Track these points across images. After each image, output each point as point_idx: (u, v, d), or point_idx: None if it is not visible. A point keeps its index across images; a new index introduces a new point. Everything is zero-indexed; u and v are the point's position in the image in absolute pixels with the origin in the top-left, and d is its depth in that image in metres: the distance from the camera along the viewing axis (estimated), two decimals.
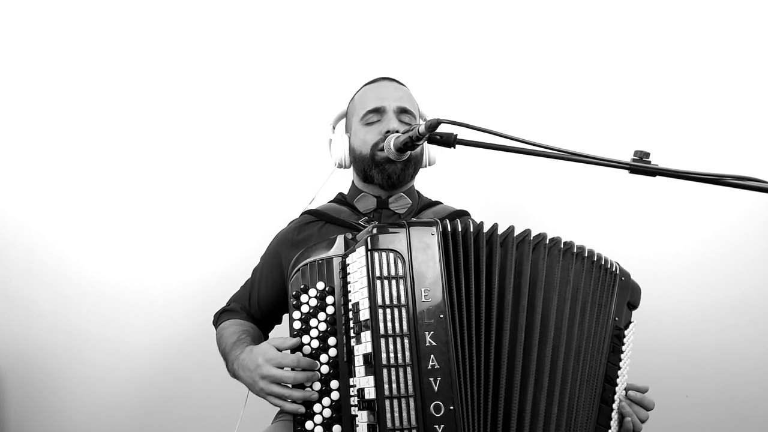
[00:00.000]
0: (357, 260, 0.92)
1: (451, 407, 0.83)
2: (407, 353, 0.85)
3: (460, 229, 0.94)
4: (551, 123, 1.95)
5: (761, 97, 1.92)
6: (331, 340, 0.96)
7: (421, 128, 1.00)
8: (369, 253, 0.88)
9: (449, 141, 0.98)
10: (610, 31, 1.98)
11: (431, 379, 0.84)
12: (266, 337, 1.34)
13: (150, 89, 1.96)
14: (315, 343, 0.96)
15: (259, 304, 1.30)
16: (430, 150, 1.33)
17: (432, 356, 0.85)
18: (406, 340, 0.85)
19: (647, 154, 0.82)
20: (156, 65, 1.97)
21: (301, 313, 0.97)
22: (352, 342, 0.92)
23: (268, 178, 1.94)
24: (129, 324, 1.88)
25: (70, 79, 1.94)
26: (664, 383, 1.81)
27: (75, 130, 1.94)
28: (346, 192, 1.39)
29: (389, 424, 0.82)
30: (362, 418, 0.87)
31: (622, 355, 1.04)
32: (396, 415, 0.83)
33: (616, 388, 1.03)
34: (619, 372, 1.03)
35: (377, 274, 0.88)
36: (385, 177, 1.23)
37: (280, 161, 1.94)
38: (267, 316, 1.32)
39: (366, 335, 0.88)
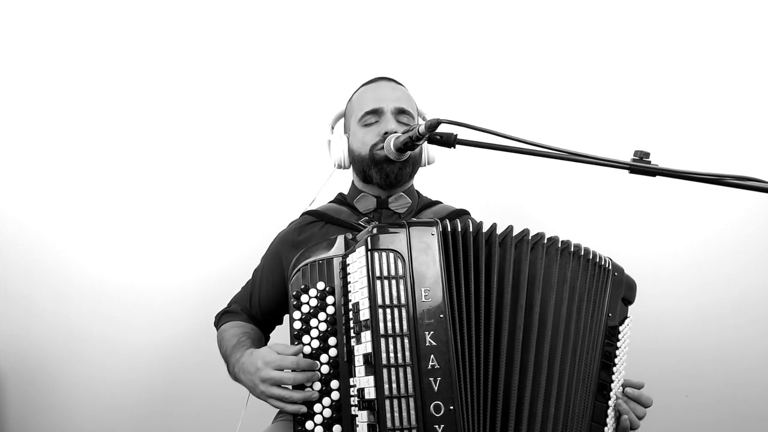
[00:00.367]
0: (357, 260, 0.92)
1: (451, 407, 0.84)
2: (407, 353, 0.85)
3: (460, 229, 0.94)
4: (551, 123, 1.95)
5: (761, 97, 1.92)
6: (332, 340, 0.96)
7: (421, 128, 1.00)
8: (369, 253, 0.88)
9: (449, 141, 0.98)
10: (610, 31, 1.98)
11: (431, 379, 0.84)
12: (267, 338, 1.35)
13: (150, 90, 1.96)
14: (315, 343, 0.96)
15: (259, 305, 1.30)
16: (429, 149, 1.33)
17: (432, 356, 0.85)
18: (406, 340, 0.85)
19: (647, 154, 0.82)
20: (156, 66, 1.97)
21: (302, 313, 0.97)
22: (353, 342, 0.92)
23: (268, 179, 1.94)
24: (129, 324, 1.88)
25: (70, 80, 1.94)
26: (664, 383, 1.82)
27: (75, 130, 1.94)
28: (346, 192, 1.39)
29: (389, 424, 0.82)
30: (362, 417, 0.87)
31: (617, 352, 1.04)
32: (396, 414, 0.83)
33: (612, 385, 1.03)
34: (614, 369, 1.03)
35: (377, 274, 0.88)
36: (384, 176, 1.23)
37: (280, 162, 1.94)
38: (268, 317, 1.32)
39: (366, 335, 0.88)
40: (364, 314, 0.88)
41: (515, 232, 0.98)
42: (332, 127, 1.40)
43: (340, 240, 1.01)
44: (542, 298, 0.96)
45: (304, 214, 1.34)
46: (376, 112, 1.26)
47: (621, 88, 1.96)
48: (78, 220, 1.91)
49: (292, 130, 1.95)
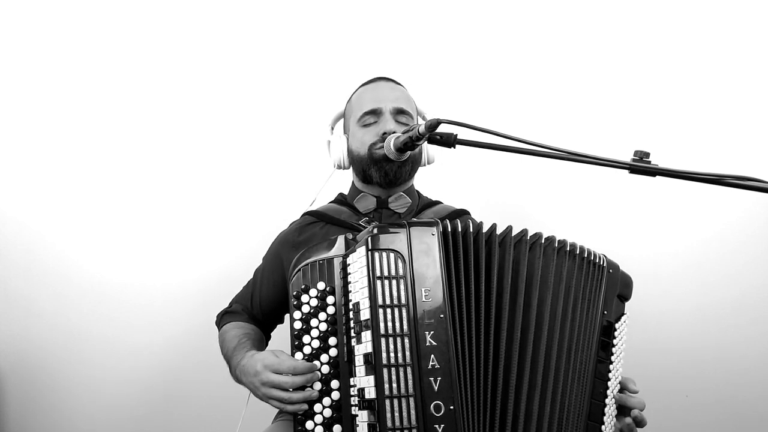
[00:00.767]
0: (357, 260, 0.92)
1: (451, 407, 0.84)
2: (407, 353, 0.85)
3: (460, 230, 0.95)
4: (551, 123, 1.95)
5: (761, 97, 1.92)
6: (332, 340, 0.96)
7: (421, 128, 1.00)
8: (369, 253, 0.88)
9: (449, 141, 0.98)
10: (610, 31, 1.98)
11: (431, 378, 0.84)
12: (268, 337, 1.35)
13: (150, 91, 1.96)
14: (316, 343, 0.96)
15: (260, 305, 1.30)
16: (429, 149, 1.34)
17: (432, 356, 0.85)
18: (406, 340, 0.86)
19: (647, 154, 0.82)
20: (156, 67, 1.97)
21: (302, 313, 0.97)
22: (353, 342, 0.92)
23: (268, 179, 1.94)
24: (129, 324, 1.88)
25: (70, 80, 1.95)
26: (664, 383, 1.82)
27: (75, 130, 1.94)
28: (346, 192, 1.39)
29: (389, 424, 0.82)
30: (362, 417, 0.87)
31: (614, 349, 1.04)
32: (396, 414, 0.83)
33: (609, 383, 1.02)
34: (611, 366, 1.03)
35: (378, 273, 0.88)
36: (383, 175, 1.23)
37: (281, 162, 1.94)
38: (269, 317, 1.32)
39: (366, 335, 0.88)
40: (365, 314, 0.88)
41: (514, 232, 0.99)
42: (332, 128, 1.40)
43: (340, 240, 1.01)
44: (539, 297, 0.97)
45: (304, 214, 1.34)
46: (375, 113, 1.26)
47: (621, 88, 1.96)
48: (78, 220, 1.91)
49: (292, 131, 1.95)
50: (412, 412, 0.83)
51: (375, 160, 1.23)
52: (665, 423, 1.79)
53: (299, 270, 0.99)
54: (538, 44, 1.99)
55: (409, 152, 1.18)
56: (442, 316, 0.87)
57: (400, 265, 0.88)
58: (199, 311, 1.83)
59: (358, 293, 0.91)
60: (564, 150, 0.85)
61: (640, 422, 1.02)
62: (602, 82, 1.97)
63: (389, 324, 0.86)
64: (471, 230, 0.96)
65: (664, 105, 1.94)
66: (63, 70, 1.95)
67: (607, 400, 1.02)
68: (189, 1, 1.99)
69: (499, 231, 0.98)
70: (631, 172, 0.83)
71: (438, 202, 1.37)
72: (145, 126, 1.95)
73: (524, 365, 0.93)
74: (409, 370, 0.84)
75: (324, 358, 0.95)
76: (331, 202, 1.38)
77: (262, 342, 1.25)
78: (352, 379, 0.93)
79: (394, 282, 0.88)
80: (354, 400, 0.91)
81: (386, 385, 0.84)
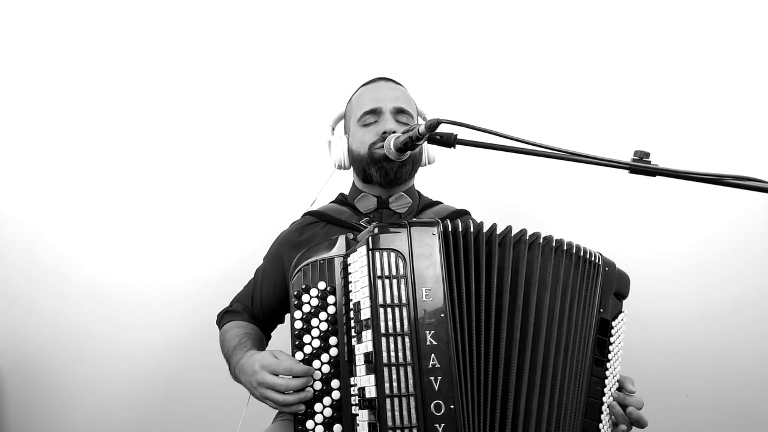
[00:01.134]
0: (358, 260, 0.92)
1: (452, 406, 0.84)
2: (408, 352, 0.85)
3: (461, 230, 0.95)
4: (551, 123, 1.95)
5: (761, 97, 1.92)
6: (332, 340, 0.96)
7: (421, 128, 1.00)
8: (370, 252, 0.89)
9: (449, 141, 0.98)
10: (610, 31, 1.99)
11: (432, 378, 0.84)
12: (269, 337, 1.35)
13: (151, 91, 1.96)
14: (316, 343, 0.96)
15: (261, 305, 1.31)
16: (429, 149, 1.34)
17: (433, 355, 0.85)
18: (406, 339, 0.86)
19: (647, 154, 0.82)
20: (157, 67, 1.97)
21: (303, 312, 0.98)
22: (353, 341, 0.92)
23: (269, 180, 1.94)
24: (129, 324, 1.88)
25: (70, 80, 1.95)
26: (664, 383, 1.82)
27: (75, 130, 1.94)
28: (347, 193, 1.39)
29: (390, 423, 0.82)
30: (363, 417, 0.87)
31: (611, 347, 1.04)
32: (396, 413, 0.83)
33: (606, 381, 1.02)
34: (608, 365, 1.03)
35: (378, 273, 0.88)
36: (383, 174, 1.23)
37: (281, 163, 1.94)
38: (269, 317, 1.32)
39: (367, 334, 0.88)
40: (365, 313, 0.89)
41: (513, 232, 0.99)
42: (332, 128, 1.40)
43: (341, 240, 1.01)
44: (537, 297, 0.97)
45: (305, 214, 1.34)
46: (375, 112, 1.26)
47: (621, 88, 1.96)
48: (78, 220, 1.91)
49: (293, 131, 1.95)
50: (413, 411, 0.83)
51: (375, 160, 1.23)
52: (665, 423, 1.79)
53: (300, 270, 1.00)
54: (538, 44, 2.00)
55: (409, 152, 1.18)
56: (442, 315, 0.87)
57: (401, 264, 0.88)
58: (199, 311, 1.83)
59: (359, 293, 0.91)
60: (564, 150, 0.85)
61: (637, 421, 1.01)
62: (602, 82, 1.97)
63: (390, 323, 0.86)
64: (471, 230, 0.96)
65: (664, 105, 1.95)
66: (63, 70, 1.95)
67: (604, 399, 1.02)
68: (189, 2, 1.99)
69: (498, 231, 0.98)
70: (631, 172, 0.83)
71: (438, 203, 1.37)
72: (145, 127, 1.95)
73: (523, 364, 0.93)
74: (409, 369, 0.84)
75: (324, 357, 0.95)
76: (331, 202, 1.38)
77: (262, 342, 1.25)
78: (352, 379, 0.93)
79: (394, 281, 0.88)
80: (354, 400, 0.91)
81: (387, 385, 0.84)
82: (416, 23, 2.00)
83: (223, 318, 1.31)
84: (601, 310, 1.04)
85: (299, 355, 0.96)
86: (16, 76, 1.94)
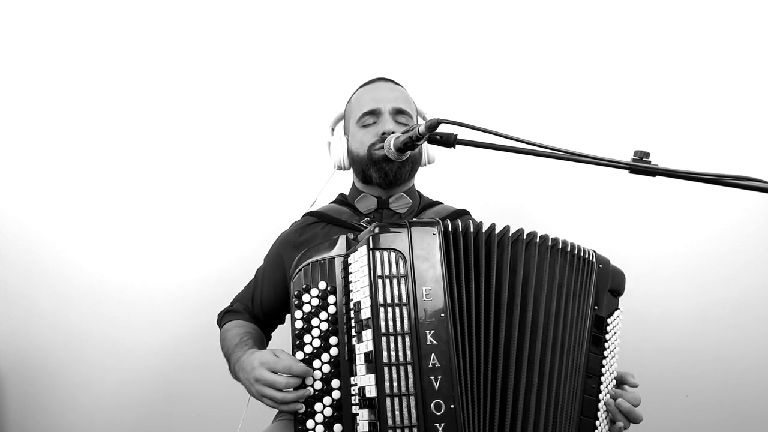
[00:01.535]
0: (359, 260, 0.92)
1: (452, 405, 0.84)
2: (408, 352, 0.85)
3: (461, 229, 0.95)
4: (551, 123, 1.95)
5: (761, 97, 1.92)
6: (333, 339, 0.96)
7: (421, 128, 1.00)
8: (370, 252, 0.89)
9: (449, 141, 0.98)
10: (610, 31, 1.99)
11: (432, 377, 0.84)
12: (269, 337, 1.35)
13: (151, 91, 1.96)
14: (316, 342, 0.96)
15: (261, 305, 1.31)
16: (429, 149, 1.34)
17: (433, 355, 0.85)
18: (407, 339, 0.86)
19: (647, 154, 0.82)
20: (157, 67, 1.97)
21: (303, 312, 0.98)
22: (354, 341, 0.92)
23: (269, 180, 1.94)
24: (129, 324, 1.88)
25: (70, 80, 1.95)
26: (664, 383, 1.82)
27: (75, 130, 1.94)
28: (347, 193, 1.39)
29: (390, 422, 0.82)
30: (363, 416, 0.87)
31: (606, 344, 1.04)
32: (397, 413, 0.83)
33: (602, 378, 1.02)
34: (603, 362, 1.03)
35: (378, 273, 0.88)
36: (383, 175, 1.23)
37: (281, 163, 1.94)
38: (270, 317, 1.32)
39: (367, 334, 0.88)
40: (366, 313, 0.89)
41: (511, 232, 0.99)
42: (332, 129, 1.40)
43: (341, 240, 1.01)
44: (534, 296, 0.97)
45: (305, 215, 1.34)
46: (374, 113, 1.26)
47: (621, 88, 1.96)
48: (78, 220, 1.91)
49: (293, 132, 1.95)
50: (413, 410, 0.83)
51: (375, 161, 1.23)
52: (665, 423, 1.79)
53: (300, 270, 1.00)
54: (537, 44, 2.00)
55: (408, 152, 1.19)
56: (442, 315, 0.87)
57: (401, 264, 0.89)
58: (199, 311, 1.83)
59: (359, 292, 0.91)
60: (564, 150, 0.85)
61: (627, 414, 0.99)
62: (602, 82, 1.97)
63: (390, 323, 0.86)
64: (471, 230, 0.96)
65: (664, 105, 1.95)
66: (63, 70, 1.95)
67: (600, 396, 1.01)
68: (189, 3, 1.99)
69: (497, 231, 0.98)
70: (631, 172, 0.83)
71: (438, 203, 1.37)
72: (145, 127, 1.95)
73: (522, 363, 0.94)
74: (409, 368, 0.84)
75: (325, 357, 0.95)
76: (331, 203, 1.38)
77: (263, 341, 1.25)
78: (352, 378, 0.93)
79: (395, 281, 0.88)
80: (355, 399, 0.91)
81: (387, 384, 0.84)
82: (416, 23, 2.00)
83: (223, 317, 1.31)
84: (596, 307, 1.04)
85: (300, 355, 0.96)
86: (17, 76, 1.94)
